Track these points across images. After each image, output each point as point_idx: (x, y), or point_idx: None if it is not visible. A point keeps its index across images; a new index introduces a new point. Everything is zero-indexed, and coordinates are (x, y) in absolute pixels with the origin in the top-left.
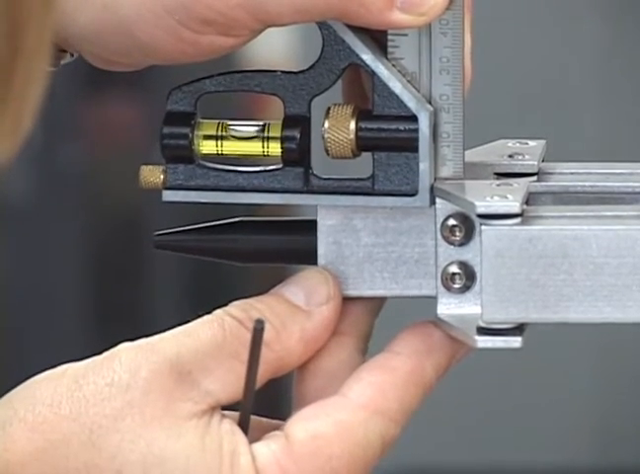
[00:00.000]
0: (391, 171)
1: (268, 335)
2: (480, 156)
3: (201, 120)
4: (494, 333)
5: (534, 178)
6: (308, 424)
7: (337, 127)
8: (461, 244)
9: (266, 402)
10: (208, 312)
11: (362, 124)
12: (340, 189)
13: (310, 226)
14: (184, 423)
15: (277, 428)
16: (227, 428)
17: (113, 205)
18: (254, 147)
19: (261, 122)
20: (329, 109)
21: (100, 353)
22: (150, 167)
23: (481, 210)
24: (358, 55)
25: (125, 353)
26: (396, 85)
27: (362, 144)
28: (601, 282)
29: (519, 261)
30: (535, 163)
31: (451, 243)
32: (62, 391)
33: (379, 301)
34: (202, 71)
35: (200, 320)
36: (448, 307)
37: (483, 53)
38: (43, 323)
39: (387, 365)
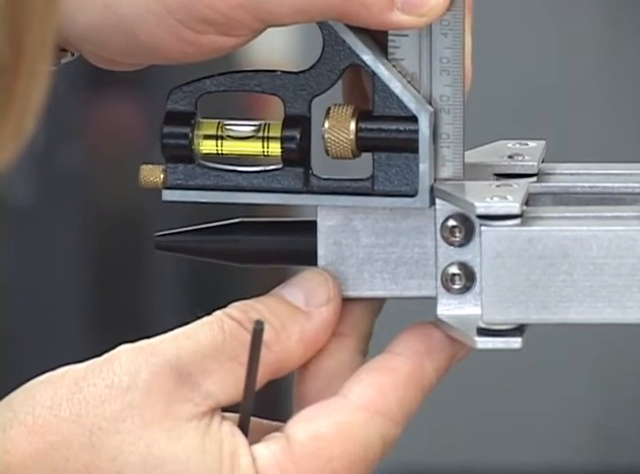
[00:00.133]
0: (391, 171)
1: (267, 336)
2: (480, 157)
3: (202, 120)
4: (494, 334)
5: (534, 179)
6: (308, 425)
7: (337, 128)
8: (461, 245)
9: (266, 403)
10: (208, 313)
11: (363, 125)
12: (340, 189)
13: (310, 227)
14: (184, 424)
15: (277, 429)
16: (227, 429)
17: (113, 206)
18: (254, 147)
19: (257, 122)
20: (329, 109)
21: (100, 354)
22: (150, 166)
23: (481, 211)
24: (358, 56)
25: (125, 354)
26: (396, 86)
27: (362, 145)
28: (601, 283)
29: (518, 261)
30: (535, 164)
31: (451, 244)
32: (62, 393)
33: (379, 302)
34: (203, 71)
35: (199, 321)
36: (448, 308)
37: (483, 54)
38: (43, 324)
39: (387, 366)
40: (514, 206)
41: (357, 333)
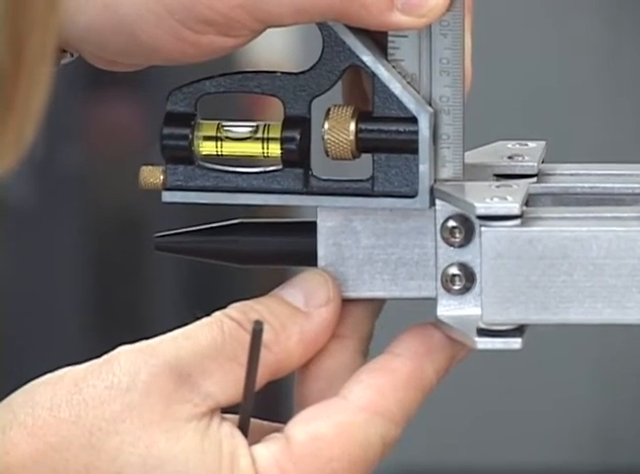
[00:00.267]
0: (391, 172)
1: (267, 336)
2: (480, 157)
3: (201, 121)
4: (494, 334)
5: (534, 179)
6: (308, 425)
7: (337, 129)
8: (461, 245)
9: (266, 405)
10: (208, 314)
11: (362, 126)
12: (340, 190)
13: (310, 228)
14: (183, 425)
15: (277, 430)
16: (227, 430)
17: (113, 207)
18: (253, 148)
19: (257, 123)
20: (329, 110)
21: (100, 355)
22: (150, 168)
23: (481, 212)
24: (358, 57)
25: (125, 355)
26: (396, 86)
27: (362, 146)
28: (602, 284)
29: (518, 262)
30: (535, 164)
31: (451, 244)
32: (62, 394)
33: (379, 303)
34: (203, 72)
35: (199, 322)
36: (448, 309)
37: (483, 55)
38: (43, 325)
39: (387, 367)
40: (514, 207)
41: (357, 334)
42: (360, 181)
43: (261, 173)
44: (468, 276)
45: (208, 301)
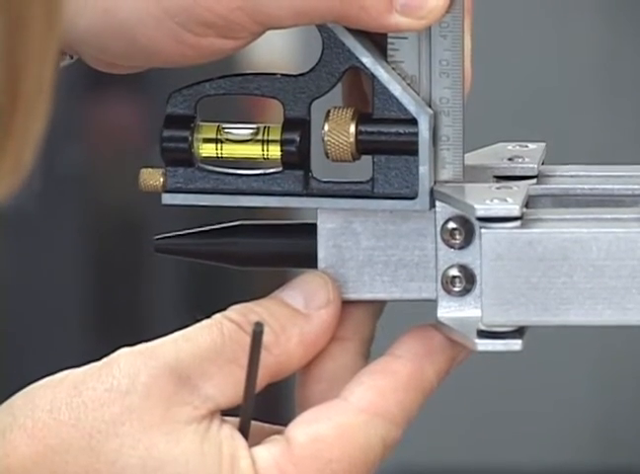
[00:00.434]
0: (391, 174)
1: (267, 338)
2: (480, 159)
3: (201, 124)
4: (494, 336)
5: (534, 181)
6: (309, 427)
7: (337, 131)
8: (461, 247)
9: (266, 408)
10: (208, 316)
11: (362, 128)
12: (339, 192)
13: (310, 230)
14: (183, 427)
15: (278, 433)
16: (227, 432)
17: (113, 207)
18: (253, 150)
19: (257, 125)
20: (329, 112)
21: (99, 355)
22: (150, 170)
23: (481, 213)
24: (357, 58)
25: (124, 358)
26: (396, 88)
27: (362, 147)
28: (602, 285)
29: (518, 264)
30: (535, 166)
31: (451, 246)
32: (62, 397)
33: (380, 305)
34: (203, 74)
35: (199, 325)
36: (449, 310)
37: (483, 56)
38: (43, 325)
39: (388, 369)
40: (513, 209)
41: (358, 336)
42: (361, 182)
43: (261, 175)
44: (468, 278)
45: (209, 303)
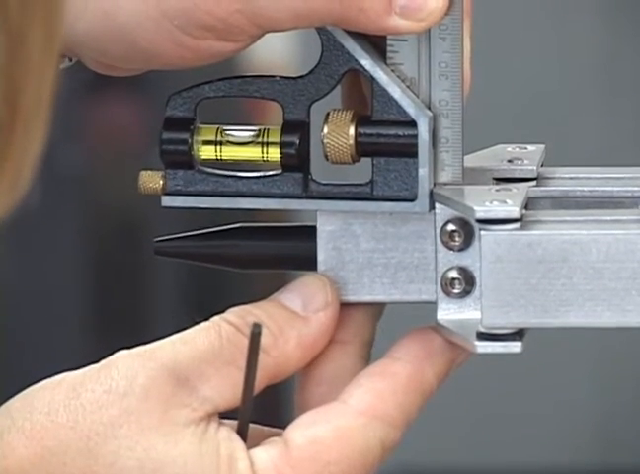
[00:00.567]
0: (390, 176)
1: (265, 340)
2: (479, 161)
3: (201, 126)
4: (494, 338)
5: (533, 182)
6: (307, 429)
7: (336, 133)
8: (461, 249)
9: (265, 411)
10: (206, 319)
11: (362, 130)
12: (339, 194)
13: (310, 232)
14: (181, 429)
15: (277, 436)
16: (225, 434)
17: (113, 208)
18: (253, 153)
19: (256, 128)
20: (328, 114)
21: (99, 355)
22: (150, 172)
23: (480, 215)
24: (357, 61)
25: (123, 360)
26: (395, 90)
27: (362, 150)
28: (601, 287)
29: (518, 266)
30: (534, 168)
31: (451, 248)
32: (60, 399)
33: (380, 307)
34: (202, 76)
35: (197, 327)
36: (448, 312)
37: (482, 58)
38: (43, 325)
39: (387, 371)
40: (513, 210)
41: (358, 338)
42: (360, 185)
43: (260, 177)
44: (468, 280)
45: (208, 304)
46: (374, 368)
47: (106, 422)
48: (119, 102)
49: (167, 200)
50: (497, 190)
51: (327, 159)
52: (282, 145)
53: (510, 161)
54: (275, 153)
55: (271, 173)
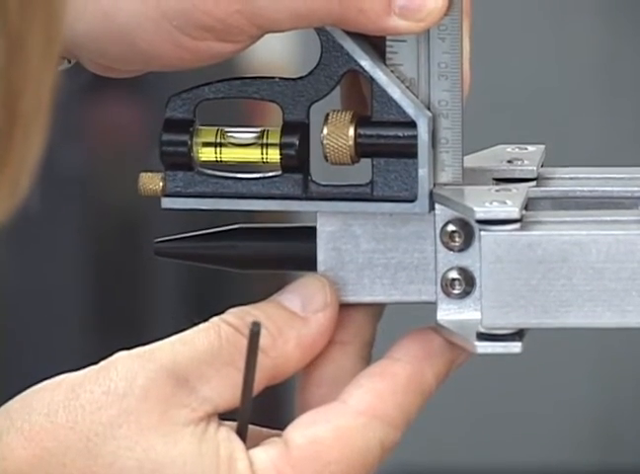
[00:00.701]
0: (390, 177)
1: (264, 341)
2: (479, 161)
3: (200, 127)
4: (494, 338)
5: (533, 183)
6: (307, 429)
7: (336, 134)
8: (461, 250)
9: (264, 412)
10: (206, 320)
11: (361, 131)
12: (339, 195)
13: (309, 233)
14: (181, 430)
15: (276, 436)
16: (224, 434)
17: (113, 208)
18: (253, 154)
19: (259, 129)
20: (328, 115)
21: (99, 357)
22: (149, 174)
23: (480, 216)
24: (356, 61)
25: (122, 361)
26: (395, 91)
27: (361, 150)
28: (601, 287)
29: (518, 266)
30: (534, 168)
31: (451, 249)
32: (59, 400)
33: (380, 307)
34: (202, 77)
35: (196, 328)
36: (448, 313)
37: (482, 58)
38: (43, 326)
39: (387, 372)
40: (513, 211)
41: (359, 339)
42: (360, 185)
43: (260, 179)
44: (468, 281)
45: (208, 305)
46: (374, 369)
47: (105, 422)
48: (118, 103)
49: (167, 202)
50: (497, 190)
51: (327, 160)
52: (282, 146)
53: (510, 161)
54: (274, 154)
55: (270, 174)
